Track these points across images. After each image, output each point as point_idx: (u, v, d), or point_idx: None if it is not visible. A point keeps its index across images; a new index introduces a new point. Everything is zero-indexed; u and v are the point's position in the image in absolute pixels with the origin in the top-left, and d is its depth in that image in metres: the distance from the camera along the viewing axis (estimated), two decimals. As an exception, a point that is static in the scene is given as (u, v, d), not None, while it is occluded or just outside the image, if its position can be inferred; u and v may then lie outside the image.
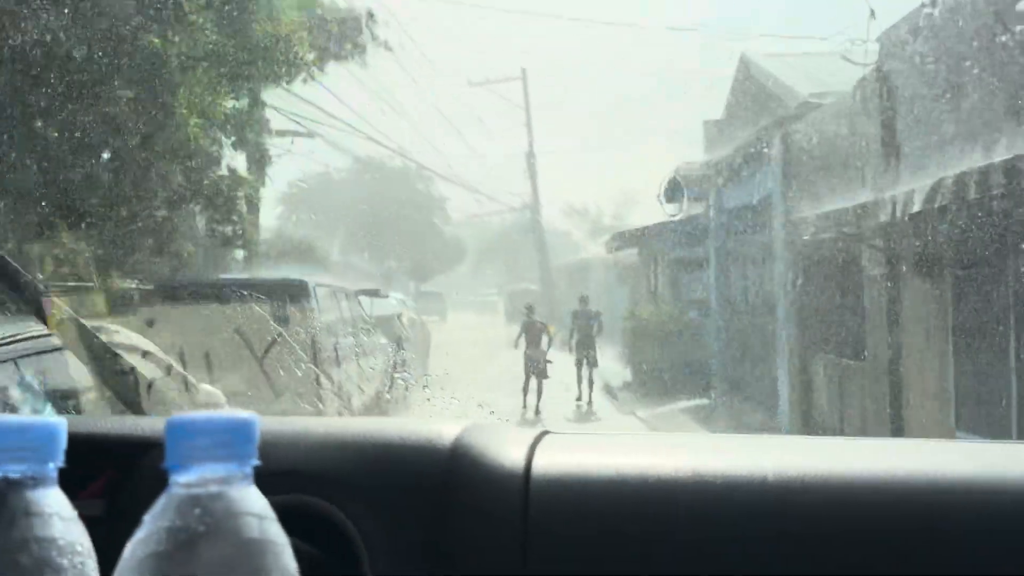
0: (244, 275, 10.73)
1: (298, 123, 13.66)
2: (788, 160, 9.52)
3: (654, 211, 16.60)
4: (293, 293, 8.27)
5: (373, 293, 13.09)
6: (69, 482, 0.57)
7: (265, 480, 0.56)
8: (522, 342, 12.82)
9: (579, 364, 13.21)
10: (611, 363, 16.04)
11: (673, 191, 14.60)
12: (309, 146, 14.94)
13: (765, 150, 10.78)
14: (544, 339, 12.71)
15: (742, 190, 11.88)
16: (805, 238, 8.97)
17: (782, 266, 9.58)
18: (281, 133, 13.54)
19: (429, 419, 1.01)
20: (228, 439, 0.55)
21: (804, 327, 9.13)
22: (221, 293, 7.14)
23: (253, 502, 0.55)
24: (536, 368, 12.25)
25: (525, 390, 12.27)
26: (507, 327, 24.29)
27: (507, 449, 0.92)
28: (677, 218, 15.16)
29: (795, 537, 0.83)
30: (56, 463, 0.56)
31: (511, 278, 50.55)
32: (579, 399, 13.07)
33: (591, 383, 13.15)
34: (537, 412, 12.03)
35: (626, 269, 24.41)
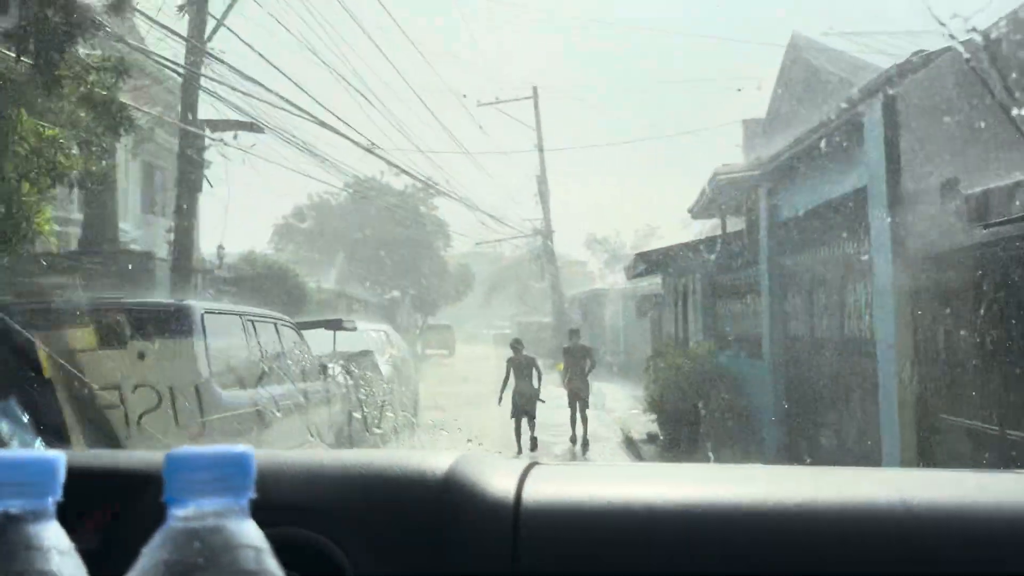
0: (124, 296, 7.89)
1: (240, 111, 10.88)
2: (894, 135, 6.56)
3: (682, 235, 13.97)
4: (168, 320, 5.51)
5: (335, 325, 10.14)
6: (67, 516, 0.57)
7: (260, 513, 0.57)
8: (507, 391, 11.95)
9: (572, 403, 12.66)
10: (630, 408, 14.98)
11: (709, 201, 11.65)
12: (253, 140, 12.12)
13: (840, 138, 7.83)
14: (534, 374, 12.00)
15: (809, 190, 8.91)
16: (927, 247, 6.00)
17: (886, 287, 6.57)
18: (217, 124, 10.89)
19: (421, 451, 1.05)
20: (225, 473, 0.55)
21: (927, 378, 6.11)
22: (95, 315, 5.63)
23: (250, 535, 0.56)
24: (526, 406, 11.70)
25: (517, 432, 11.67)
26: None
27: (497, 480, 0.92)
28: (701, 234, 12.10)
29: (782, 565, 0.82)
30: (55, 498, 0.56)
31: (523, 309, 48.12)
32: (573, 440, 12.61)
33: (585, 421, 12.57)
34: (532, 450, 11.49)
35: (647, 300, 21.41)
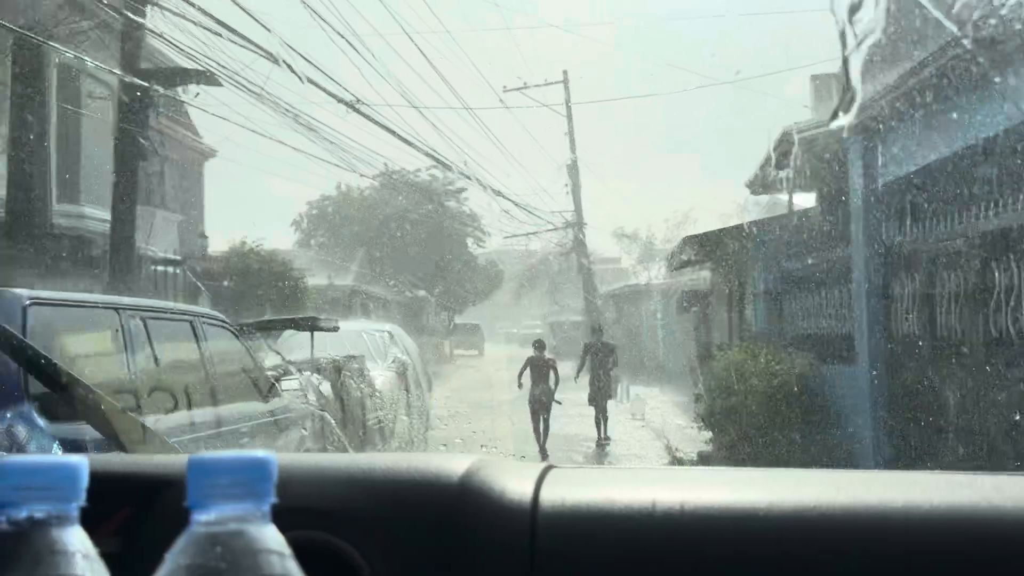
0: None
1: (193, 58, 8.61)
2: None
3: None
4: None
5: (307, 325, 7.88)
6: (89, 520, 0.57)
7: (281, 517, 0.57)
8: (526, 382, 12.02)
9: (594, 403, 12.61)
10: (673, 417, 14.09)
11: (778, 165, 9.16)
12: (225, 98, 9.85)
13: (988, 58, 5.40)
14: (551, 376, 11.88)
15: (932, 139, 6.44)
16: None
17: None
18: (158, 74, 8.67)
19: (439, 454, 1.02)
20: (247, 478, 0.56)
21: None
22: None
23: (271, 540, 0.56)
24: (543, 406, 11.64)
25: (536, 432, 11.61)
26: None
27: (514, 483, 0.91)
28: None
29: (804, 570, 0.81)
30: (78, 502, 0.56)
31: (554, 308, 45.91)
32: (599, 442, 12.47)
33: (606, 419, 12.64)
34: (544, 455, 11.06)
35: (690, 295, 18.91)
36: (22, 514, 0.55)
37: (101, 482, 0.62)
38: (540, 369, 11.84)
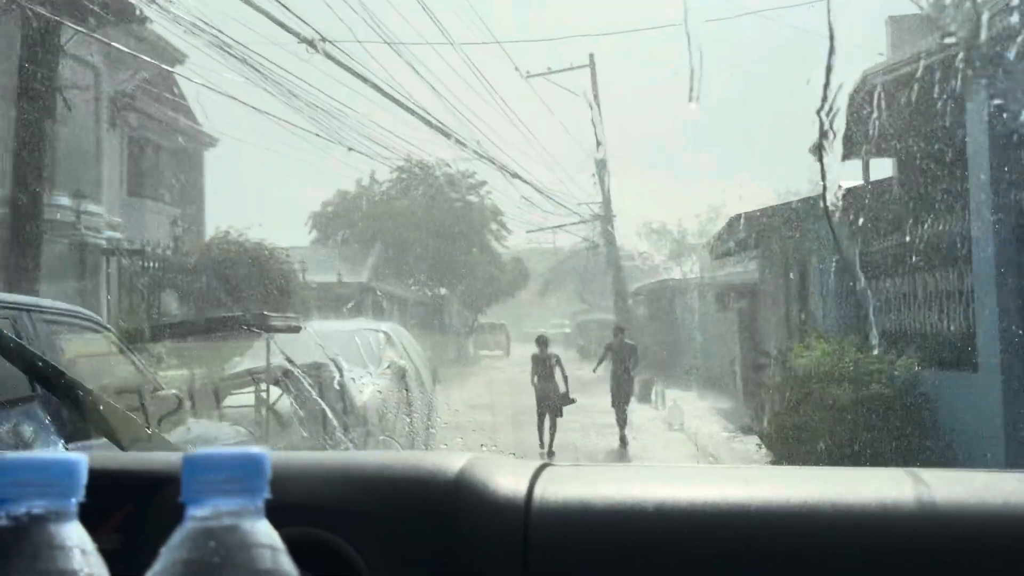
0: None
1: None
2: None
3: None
4: None
5: (256, 323, 6.05)
6: (88, 516, 0.58)
7: (275, 513, 0.58)
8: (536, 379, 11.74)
9: (616, 403, 12.46)
10: (719, 427, 12.99)
11: (863, 106, 7.13)
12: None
13: None
14: (557, 373, 11.63)
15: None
16: None
17: None
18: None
19: (434, 452, 1.03)
20: (241, 474, 0.57)
21: None
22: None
23: (265, 535, 0.57)
24: (549, 405, 11.42)
25: (540, 429, 11.41)
26: (579, 365, 19.29)
27: (508, 480, 0.91)
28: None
29: (794, 566, 0.82)
30: (77, 498, 0.57)
31: (582, 307, 44.01)
32: (623, 442, 12.03)
33: (626, 421, 12.43)
34: (551, 452, 10.91)
35: (733, 290, 16.87)
36: (21, 509, 0.55)
37: (100, 479, 0.63)
38: (544, 367, 11.58)
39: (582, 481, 0.95)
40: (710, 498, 0.86)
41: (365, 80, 13.24)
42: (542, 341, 12.09)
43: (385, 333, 10.52)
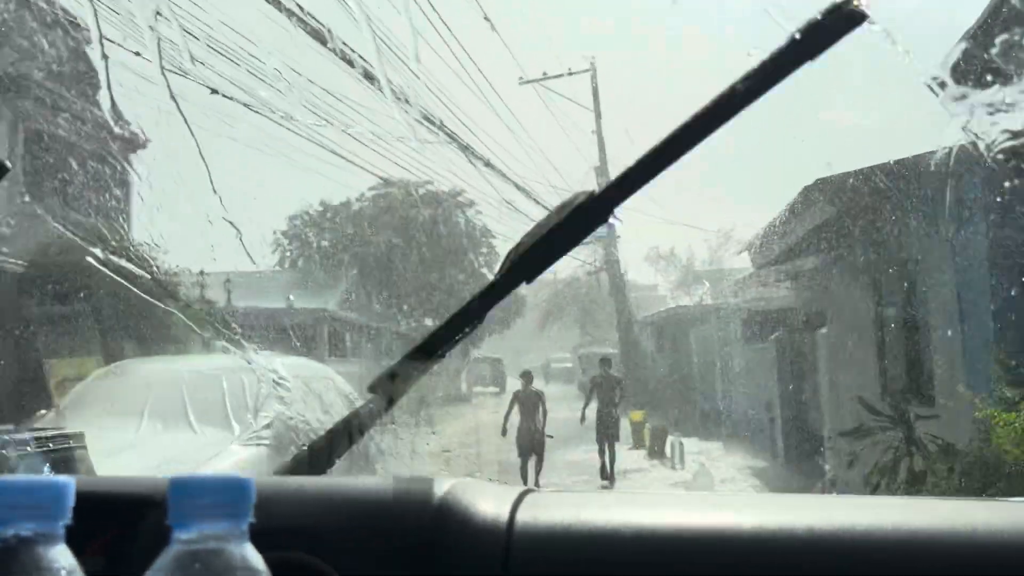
0: None
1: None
2: None
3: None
4: None
5: None
6: (75, 540, 0.59)
7: (260, 537, 0.59)
8: (511, 426, 11.57)
9: (600, 440, 12.36)
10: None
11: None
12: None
13: None
14: (540, 410, 11.43)
15: None
16: None
17: None
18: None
19: (417, 477, 1.01)
20: (227, 498, 0.58)
21: None
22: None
23: (249, 558, 0.58)
24: (532, 442, 11.21)
25: (523, 472, 11.08)
26: (579, 402, 16.47)
27: (490, 506, 0.92)
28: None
29: None
30: (64, 521, 0.58)
31: (585, 339, 40.52)
32: (605, 477, 12.05)
33: (613, 459, 12.32)
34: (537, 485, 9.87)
35: (767, 317, 13.27)
36: (9, 532, 0.56)
37: (87, 502, 0.64)
38: (529, 405, 11.46)
39: (565, 507, 0.95)
40: (694, 525, 0.87)
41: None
42: (527, 377, 12.05)
43: (274, 373, 7.02)
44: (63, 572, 0.56)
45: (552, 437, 11.40)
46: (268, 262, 28.24)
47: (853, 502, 0.95)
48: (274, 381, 7.24)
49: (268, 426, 6.28)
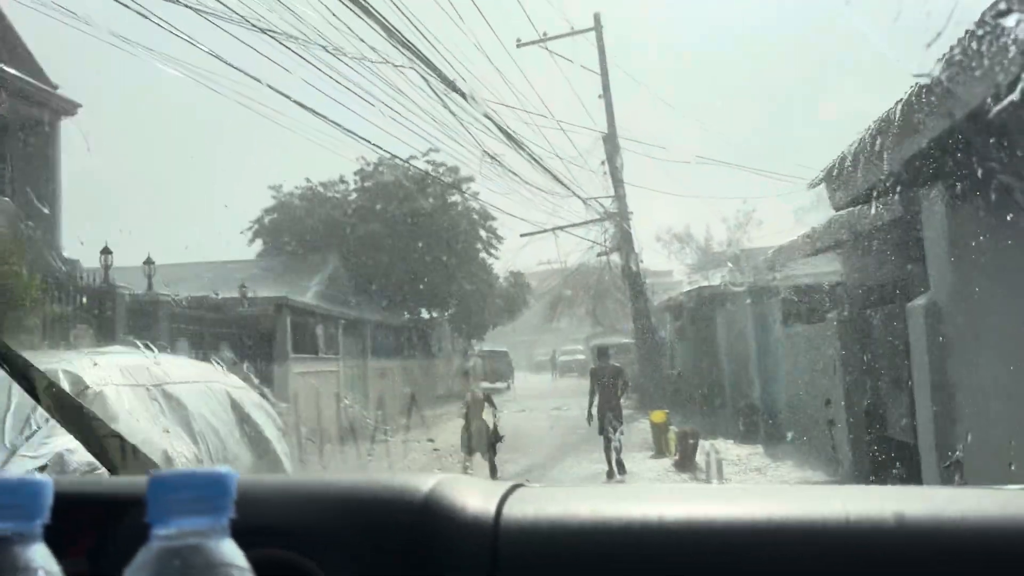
0: None
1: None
2: None
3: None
4: None
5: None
6: (54, 540, 0.59)
7: (241, 534, 0.59)
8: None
9: (603, 433, 11.71)
10: None
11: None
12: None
13: None
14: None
15: None
16: None
17: None
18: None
19: (403, 473, 1.02)
20: (206, 494, 0.57)
21: None
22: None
23: (230, 554, 0.57)
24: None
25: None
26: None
27: (478, 500, 0.91)
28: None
29: None
30: (42, 520, 0.58)
31: (597, 329, 37.74)
32: (610, 475, 11.40)
33: (619, 451, 11.67)
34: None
35: (814, 295, 10.63)
36: None
37: (66, 501, 0.64)
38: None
39: (553, 501, 0.94)
40: (683, 517, 0.86)
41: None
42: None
43: (56, 378, 4.45)
44: (40, 572, 0.56)
45: (503, 437, 10.94)
46: (246, 252, 25.87)
47: (845, 491, 0.93)
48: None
49: (44, 468, 3.78)
